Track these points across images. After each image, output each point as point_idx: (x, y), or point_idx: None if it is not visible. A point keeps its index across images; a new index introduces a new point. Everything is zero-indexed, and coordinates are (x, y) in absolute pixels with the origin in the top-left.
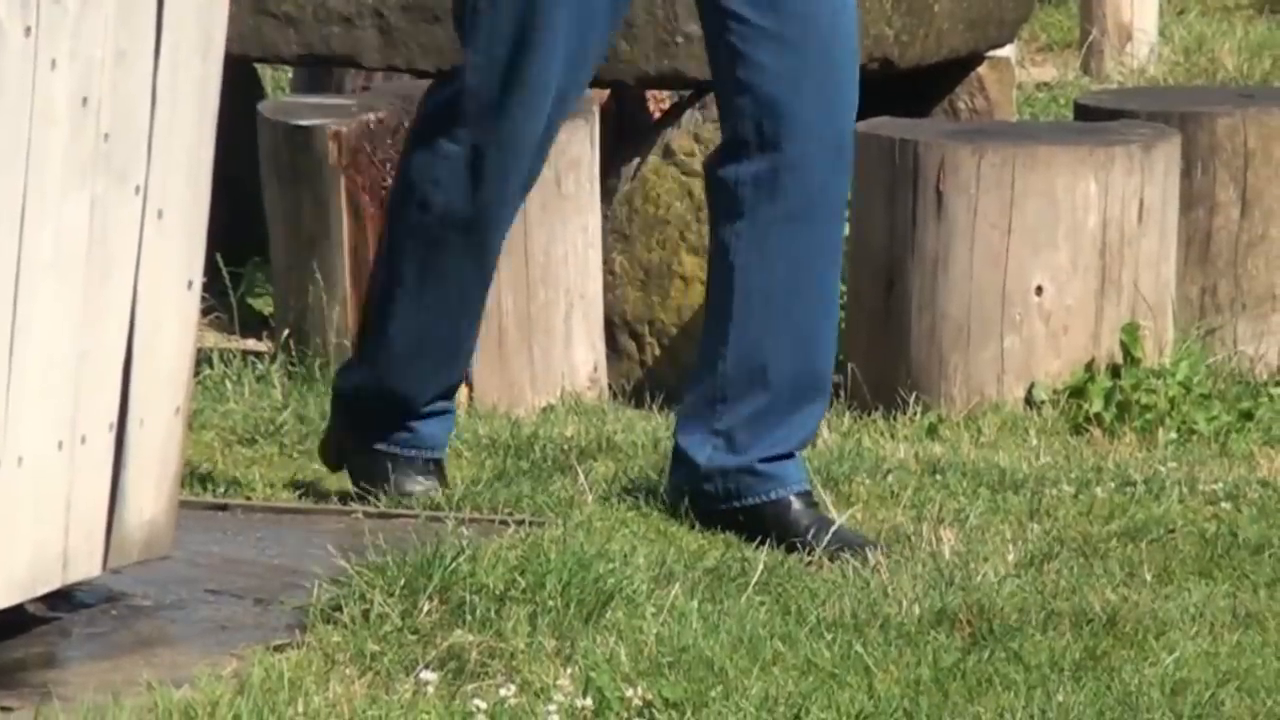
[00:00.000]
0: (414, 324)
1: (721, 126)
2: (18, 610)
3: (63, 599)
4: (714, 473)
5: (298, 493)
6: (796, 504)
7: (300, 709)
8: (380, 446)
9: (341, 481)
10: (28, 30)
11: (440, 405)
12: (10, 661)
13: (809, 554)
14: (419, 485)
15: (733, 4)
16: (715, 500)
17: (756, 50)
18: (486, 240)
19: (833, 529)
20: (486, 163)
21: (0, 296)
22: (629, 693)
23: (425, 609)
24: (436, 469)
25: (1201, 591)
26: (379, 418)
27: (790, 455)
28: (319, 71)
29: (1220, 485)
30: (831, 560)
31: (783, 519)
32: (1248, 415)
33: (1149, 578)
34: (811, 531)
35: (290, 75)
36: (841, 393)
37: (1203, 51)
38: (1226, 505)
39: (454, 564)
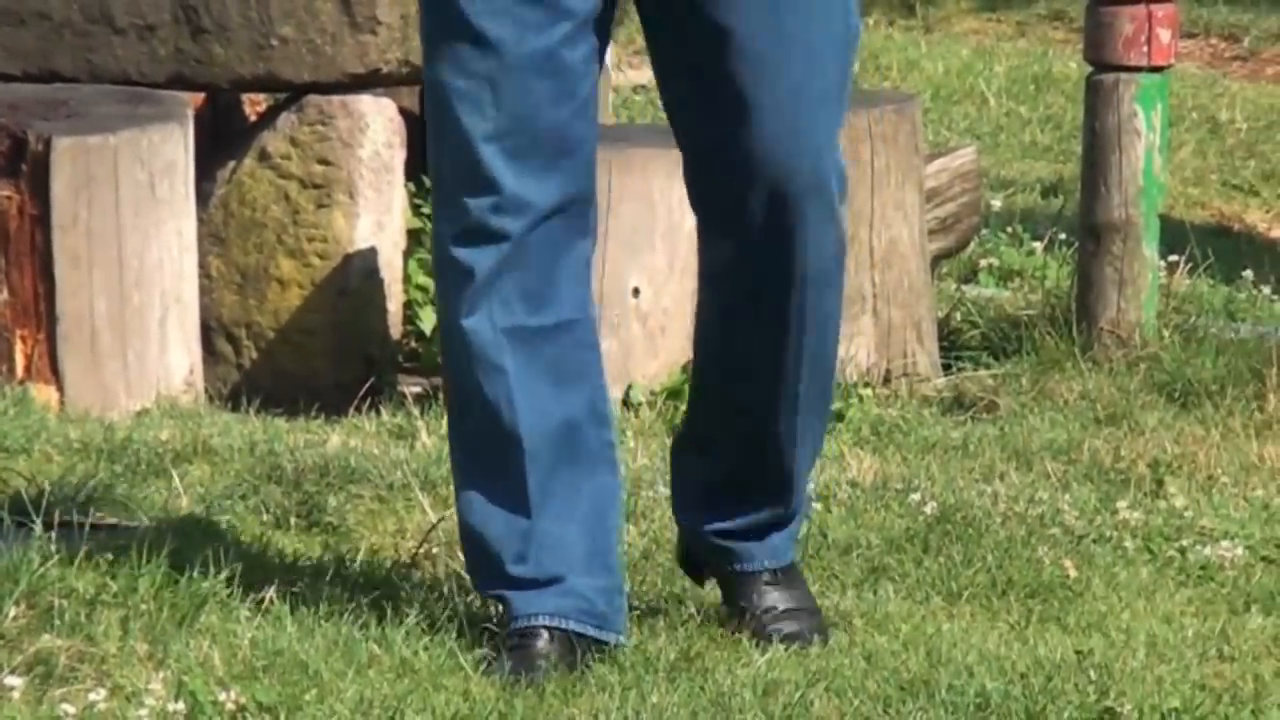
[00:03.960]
0: None
1: None
2: None
3: None
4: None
5: None
6: (759, 580)
7: None
8: None
9: None
10: None
11: None
12: None
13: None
14: None
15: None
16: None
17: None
18: None
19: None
20: None
21: None
22: (222, 696)
23: (11, 614)
24: None
25: None
26: None
27: (751, 534)
28: None
29: (812, 486)
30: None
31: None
32: (839, 416)
33: None
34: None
35: None
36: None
37: None
38: (818, 506)
39: (42, 568)
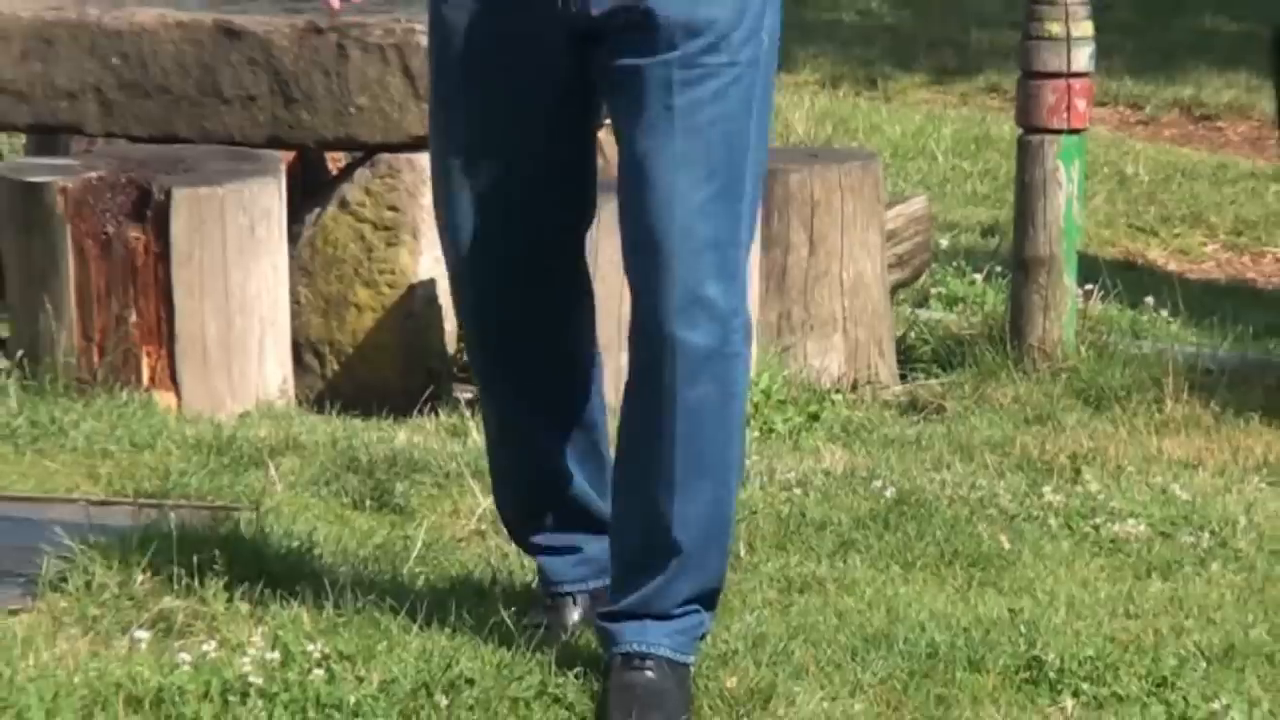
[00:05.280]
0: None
1: None
2: None
3: None
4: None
5: (31, 484)
6: (616, 664)
7: (31, 663)
8: None
9: (70, 474)
10: None
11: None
12: None
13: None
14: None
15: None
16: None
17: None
18: None
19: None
20: None
21: None
22: (310, 647)
23: (139, 580)
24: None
25: (778, 562)
26: None
27: (629, 616)
28: (48, 137)
29: (793, 474)
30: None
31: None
32: (815, 417)
33: (742, 552)
34: (611, 699)
35: (24, 140)
36: None
37: (778, 119)
38: (798, 490)
39: (164, 542)
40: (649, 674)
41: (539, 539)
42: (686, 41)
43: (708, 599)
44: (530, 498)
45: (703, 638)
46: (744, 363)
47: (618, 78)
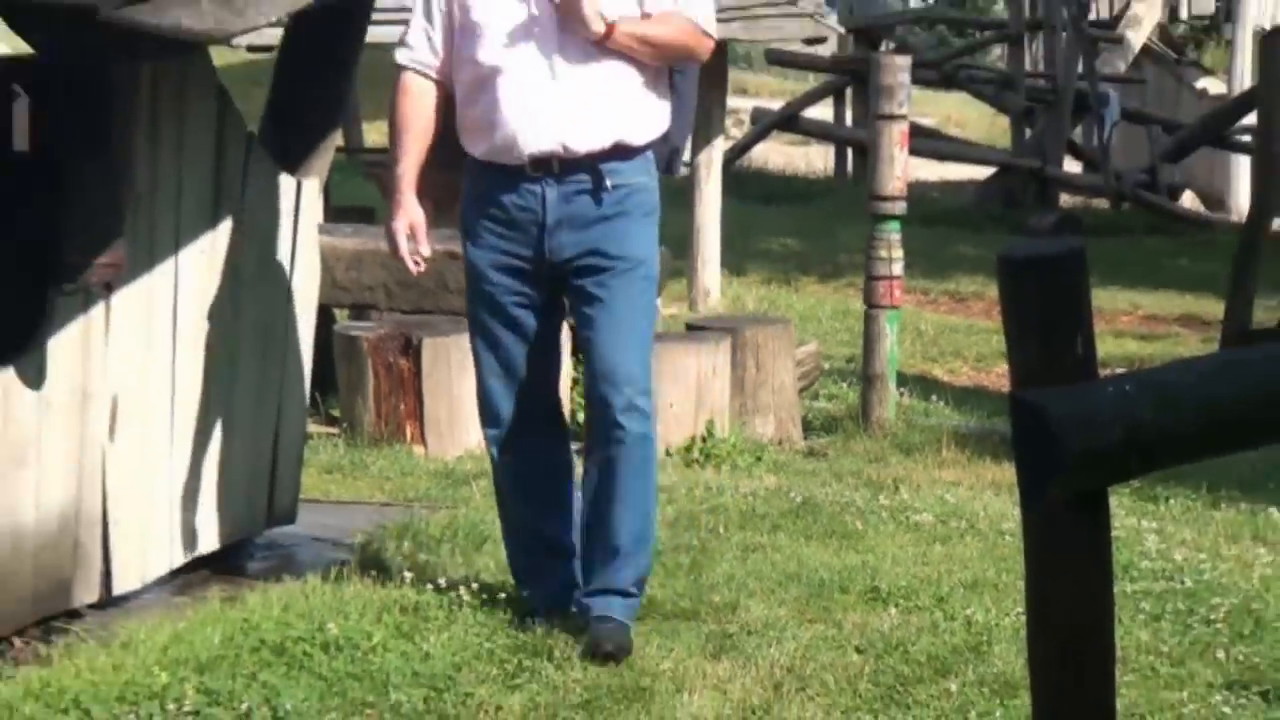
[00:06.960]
0: None
1: None
2: (224, 550)
3: (246, 543)
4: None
5: (349, 494)
6: (592, 621)
7: (350, 590)
8: None
9: (370, 489)
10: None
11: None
12: (227, 570)
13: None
14: None
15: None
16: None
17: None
18: None
19: (601, 636)
20: None
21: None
22: (495, 581)
23: (405, 545)
24: None
25: (739, 536)
26: None
27: (596, 593)
28: (360, 311)
29: (747, 489)
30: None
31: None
32: (759, 458)
33: (721, 530)
34: (589, 636)
35: (347, 313)
36: None
37: (737, 302)
38: (750, 497)
39: (418, 526)
40: (610, 626)
41: (525, 575)
42: (623, 266)
43: (639, 584)
44: (523, 555)
45: (636, 610)
46: (654, 438)
47: (582, 288)
